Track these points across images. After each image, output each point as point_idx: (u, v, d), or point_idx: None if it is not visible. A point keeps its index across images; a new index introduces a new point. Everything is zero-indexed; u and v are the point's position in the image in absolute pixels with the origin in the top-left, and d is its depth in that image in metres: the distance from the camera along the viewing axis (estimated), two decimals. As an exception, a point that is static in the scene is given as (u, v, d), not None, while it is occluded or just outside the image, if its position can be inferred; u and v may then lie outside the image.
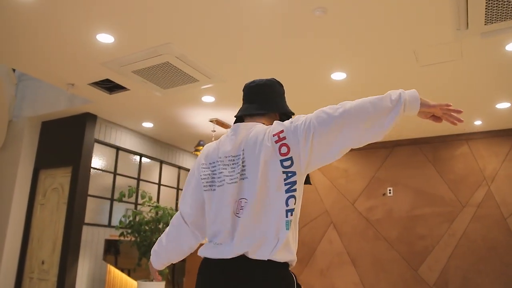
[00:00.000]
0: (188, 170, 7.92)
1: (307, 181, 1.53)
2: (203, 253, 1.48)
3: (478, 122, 5.95)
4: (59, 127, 6.15)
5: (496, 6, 3.24)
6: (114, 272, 5.56)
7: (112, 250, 5.48)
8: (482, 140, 6.31)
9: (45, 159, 6.18)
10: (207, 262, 1.46)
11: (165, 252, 1.67)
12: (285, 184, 1.38)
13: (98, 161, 6.16)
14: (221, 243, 1.43)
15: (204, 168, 1.58)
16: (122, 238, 4.61)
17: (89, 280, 5.77)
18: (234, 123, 1.66)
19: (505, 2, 3.19)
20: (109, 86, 5.01)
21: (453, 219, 6.21)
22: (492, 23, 3.46)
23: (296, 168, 1.39)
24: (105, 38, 3.87)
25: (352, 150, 5.43)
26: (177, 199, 7.49)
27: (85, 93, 5.23)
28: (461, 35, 3.70)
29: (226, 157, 1.50)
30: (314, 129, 1.36)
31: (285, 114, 1.67)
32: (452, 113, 1.42)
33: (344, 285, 6.63)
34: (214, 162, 1.55)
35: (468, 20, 3.44)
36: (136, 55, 4.15)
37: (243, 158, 1.45)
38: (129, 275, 5.27)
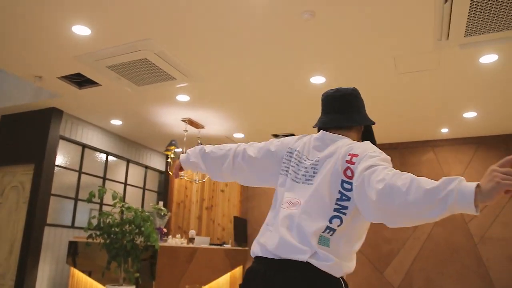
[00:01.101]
0: (156, 170, 7.71)
1: None
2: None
3: (444, 130, 6.17)
4: (22, 121, 5.80)
5: (477, 19, 3.35)
6: (78, 276, 5.29)
7: (76, 253, 5.21)
8: (448, 147, 6.56)
9: (4, 155, 5.80)
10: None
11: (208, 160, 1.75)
12: (336, 203, 1.37)
13: (62, 159, 5.86)
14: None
15: (289, 152, 1.59)
16: (90, 240, 4.39)
17: (50, 284, 5.47)
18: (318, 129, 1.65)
19: (485, 16, 3.30)
20: (80, 81, 4.77)
21: (418, 223, 6.39)
22: (472, 35, 3.58)
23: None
24: (81, 30, 3.67)
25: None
26: (143, 199, 7.28)
27: (53, 87, 4.95)
28: (441, 45, 3.80)
29: (308, 157, 1.53)
30: (361, 188, 1.28)
31: (368, 125, 1.67)
32: None
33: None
34: (295, 152, 1.57)
35: (449, 31, 3.54)
36: (112, 49, 3.97)
37: (315, 166, 1.47)
38: (94, 278, 5.03)
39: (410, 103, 5.17)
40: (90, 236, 4.38)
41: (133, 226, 4.30)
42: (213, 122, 6.12)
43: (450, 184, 1.10)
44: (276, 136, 6.66)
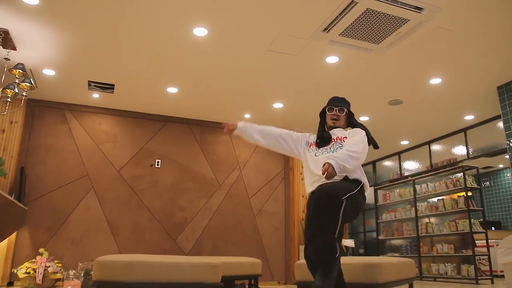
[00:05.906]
0: None
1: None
2: None
3: (247, 115, 7.03)
4: None
5: (358, 26, 4.25)
6: None
7: None
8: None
9: None
10: None
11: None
12: None
13: None
14: None
15: None
16: None
17: None
18: None
19: (366, 26, 4.23)
20: None
21: (210, 195, 6.97)
22: (344, 36, 4.48)
23: None
24: None
25: (125, 116, 6.58)
26: None
27: None
28: (317, 37, 4.51)
29: None
30: None
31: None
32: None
33: (100, 254, 6.11)
34: None
35: (333, 27, 4.30)
36: None
37: None
38: None
39: (246, 81, 5.68)
40: None
41: None
42: (32, 46, 4.87)
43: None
44: (90, 83, 5.89)
